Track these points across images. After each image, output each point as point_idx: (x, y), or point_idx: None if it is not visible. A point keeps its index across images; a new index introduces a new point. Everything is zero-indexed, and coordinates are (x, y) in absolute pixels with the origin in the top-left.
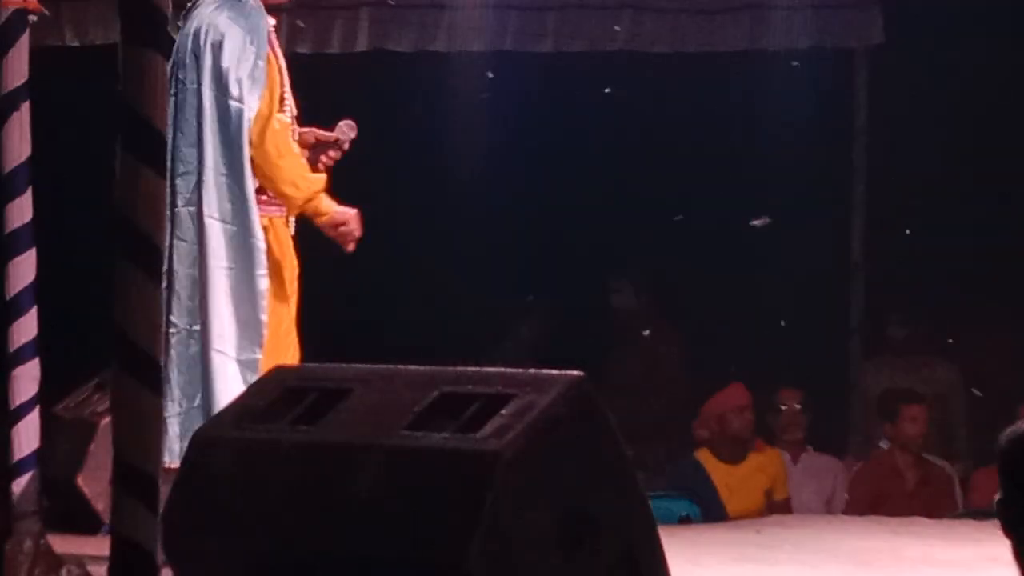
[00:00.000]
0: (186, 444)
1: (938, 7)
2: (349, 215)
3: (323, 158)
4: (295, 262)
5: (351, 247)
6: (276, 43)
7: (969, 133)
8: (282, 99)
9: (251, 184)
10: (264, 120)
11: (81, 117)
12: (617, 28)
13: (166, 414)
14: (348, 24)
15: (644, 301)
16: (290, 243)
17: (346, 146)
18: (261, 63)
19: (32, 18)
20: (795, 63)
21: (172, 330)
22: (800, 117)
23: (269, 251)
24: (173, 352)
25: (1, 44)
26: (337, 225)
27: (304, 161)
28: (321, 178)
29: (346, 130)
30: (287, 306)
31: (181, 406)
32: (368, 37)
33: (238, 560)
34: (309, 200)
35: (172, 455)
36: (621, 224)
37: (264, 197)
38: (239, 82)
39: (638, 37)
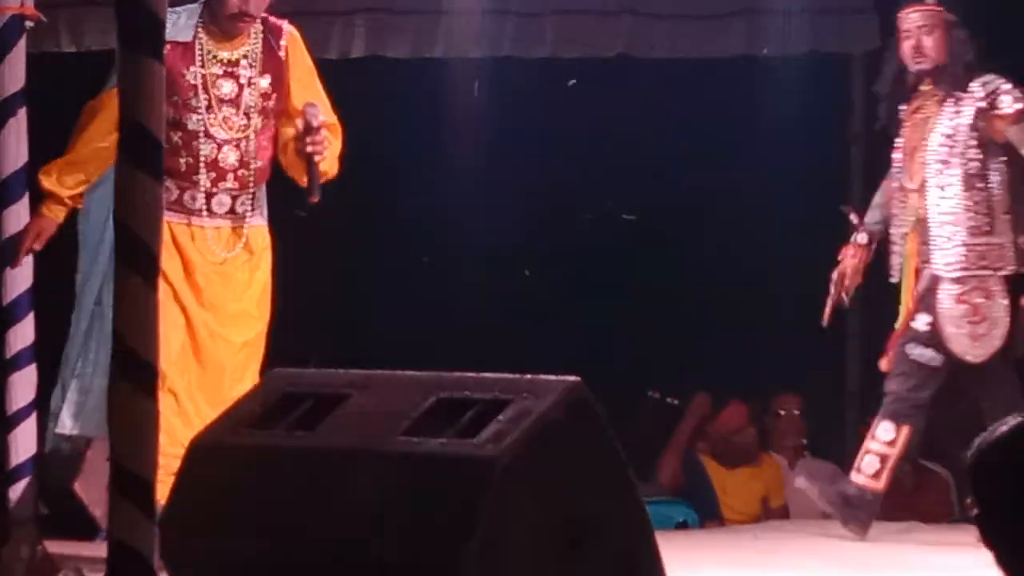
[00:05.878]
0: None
1: None
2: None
3: (310, 148)
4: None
5: None
6: (194, 55)
7: None
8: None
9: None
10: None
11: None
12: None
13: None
14: (345, 30)
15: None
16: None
17: (315, 123)
18: None
19: (29, 24)
20: (792, 68)
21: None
22: (797, 122)
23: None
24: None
25: None
26: None
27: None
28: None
29: (310, 113)
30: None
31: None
32: (365, 43)
33: (235, 566)
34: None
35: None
36: (619, 230)
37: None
38: None
39: (636, 43)
